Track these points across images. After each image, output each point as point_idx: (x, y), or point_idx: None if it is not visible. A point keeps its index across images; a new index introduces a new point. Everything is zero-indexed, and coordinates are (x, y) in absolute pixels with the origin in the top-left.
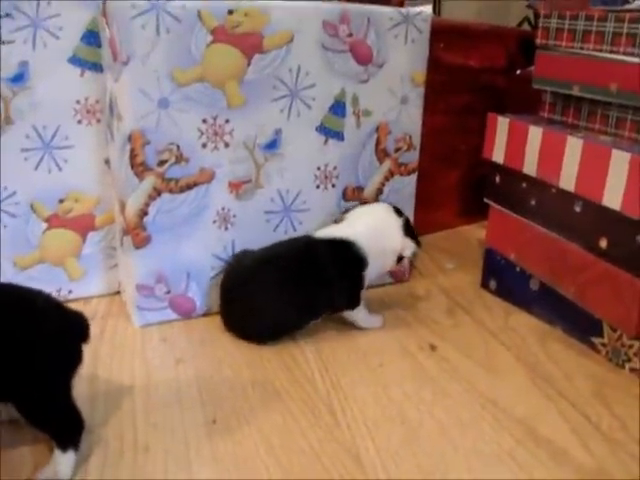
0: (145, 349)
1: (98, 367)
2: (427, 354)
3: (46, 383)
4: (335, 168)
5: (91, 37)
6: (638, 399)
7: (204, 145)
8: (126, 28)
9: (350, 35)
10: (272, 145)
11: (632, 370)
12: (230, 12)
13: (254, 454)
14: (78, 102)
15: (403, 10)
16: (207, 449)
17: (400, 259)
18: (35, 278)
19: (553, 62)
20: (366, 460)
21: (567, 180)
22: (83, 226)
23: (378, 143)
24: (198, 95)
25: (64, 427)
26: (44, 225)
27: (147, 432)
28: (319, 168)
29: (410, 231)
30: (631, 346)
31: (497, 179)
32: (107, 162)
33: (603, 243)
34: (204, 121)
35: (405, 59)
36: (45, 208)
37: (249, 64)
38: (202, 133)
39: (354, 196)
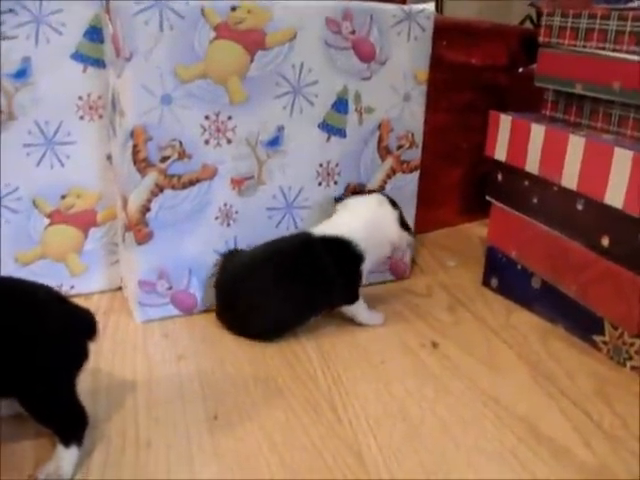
0: (147, 345)
1: (100, 363)
2: (429, 351)
3: (50, 379)
4: (337, 165)
5: (94, 33)
6: (639, 397)
7: (207, 141)
8: (129, 24)
9: (353, 32)
10: (274, 142)
11: (633, 368)
12: (233, 9)
13: (256, 450)
14: (80, 98)
15: (406, 7)
16: (209, 445)
17: None
18: (37, 274)
19: (556, 60)
20: (368, 457)
21: (569, 178)
22: (85, 222)
23: (380, 140)
24: (201, 91)
25: (68, 423)
26: (46, 221)
27: (149, 427)
28: (321, 165)
29: (404, 222)
30: (632, 344)
31: (499, 177)
32: (109, 158)
33: (605, 241)
34: (207, 117)
35: (408, 56)
36: (47, 204)
37: (252, 61)
38: (205, 129)
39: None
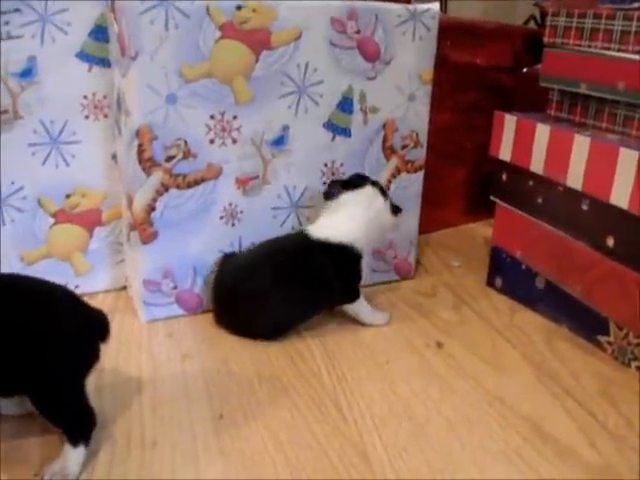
0: (151, 344)
1: (105, 362)
2: (434, 351)
3: (62, 378)
4: (342, 165)
5: (99, 32)
6: None
7: (212, 141)
8: (134, 23)
9: (358, 32)
10: (279, 141)
11: (638, 368)
12: (238, 8)
13: (262, 449)
14: (86, 97)
15: (411, 7)
16: (214, 444)
17: None
18: (42, 273)
19: (560, 60)
20: (373, 456)
21: (574, 178)
22: (90, 221)
23: (385, 140)
24: (206, 91)
25: (76, 422)
26: (51, 220)
27: (154, 426)
28: (326, 164)
29: (394, 207)
30: (637, 345)
31: (504, 177)
32: (114, 157)
33: (610, 241)
34: (212, 117)
35: (413, 56)
36: (52, 203)
37: (257, 60)
38: (210, 129)
39: None
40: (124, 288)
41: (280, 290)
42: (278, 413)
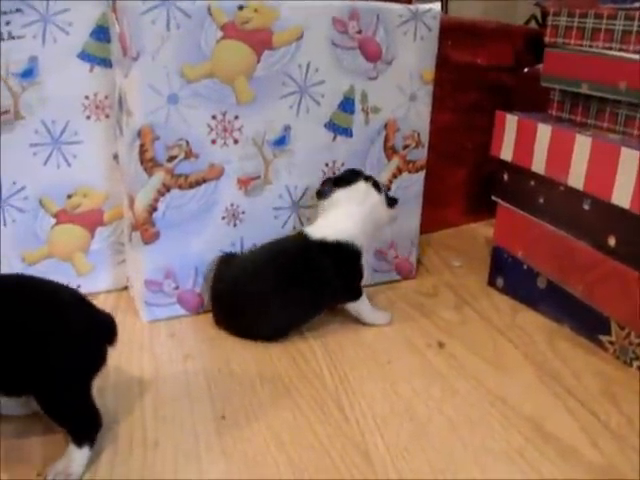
0: (153, 344)
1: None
2: (435, 351)
3: (68, 379)
4: (343, 165)
5: (100, 33)
6: None
7: (213, 141)
8: (136, 23)
9: (359, 32)
10: (281, 141)
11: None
12: (240, 8)
13: (264, 449)
14: (87, 97)
15: (412, 7)
16: (217, 444)
17: None
18: (43, 273)
19: (562, 60)
20: (375, 456)
21: (576, 178)
22: (91, 221)
23: (386, 140)
24: (207, 91)
25: (82, 424)
26: (52, 220)
27: (157, 426)
28: (327, 164)
29: (390, 199)
30: (639, 344)
31: (505, 177)
32: (116, 157)
33: (612, 241)
34: (213, 117)
35: (414, 56)
36: (54, 203)
37: (258, 60)
38: (211, 129)
39: None
40: (126, 288)
41: (282, 293)
42: (280, 413)
